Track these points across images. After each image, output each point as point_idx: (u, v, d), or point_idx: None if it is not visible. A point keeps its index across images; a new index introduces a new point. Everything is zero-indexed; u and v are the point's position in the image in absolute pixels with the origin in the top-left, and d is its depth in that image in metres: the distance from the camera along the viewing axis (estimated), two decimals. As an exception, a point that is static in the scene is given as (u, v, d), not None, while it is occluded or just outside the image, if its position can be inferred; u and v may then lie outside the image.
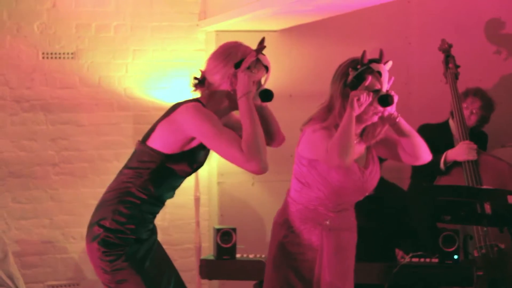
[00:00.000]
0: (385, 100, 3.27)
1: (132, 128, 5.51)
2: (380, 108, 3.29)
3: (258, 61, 3.14)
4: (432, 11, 5.80)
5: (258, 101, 3.15)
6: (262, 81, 3.19)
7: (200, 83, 3.16)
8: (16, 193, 5.31)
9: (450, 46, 5.11)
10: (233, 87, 3.10)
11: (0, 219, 5.25)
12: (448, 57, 5.08)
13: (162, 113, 5.32)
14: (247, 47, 3.16)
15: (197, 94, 3.21)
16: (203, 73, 3.17)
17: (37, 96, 5.32)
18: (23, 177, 5.32)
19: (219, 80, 3.12)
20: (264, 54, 3.17)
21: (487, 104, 5.03)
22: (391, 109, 3.32)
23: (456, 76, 5.03)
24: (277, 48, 5.45)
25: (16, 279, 4.19)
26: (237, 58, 3.11)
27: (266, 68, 3.17)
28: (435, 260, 4.33)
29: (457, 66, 5.05)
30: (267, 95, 3.15)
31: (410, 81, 5.67)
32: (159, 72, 5.55)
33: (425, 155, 3.45)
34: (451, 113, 4.98)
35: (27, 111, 5.31)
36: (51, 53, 5.34)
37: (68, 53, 5.37)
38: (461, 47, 5.20)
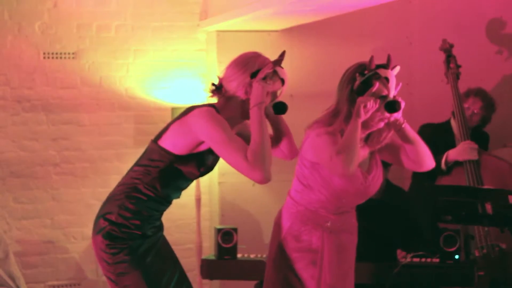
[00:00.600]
0: (392, 107, 3.26)
1: (133, 128, 5.51)
2: (387, 114, 3.28)
3: (275, 73, 3.18)
4: (433, 11, 5.79)
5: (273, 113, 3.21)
6: (278, 93, 3.23)
7: (217, 89, 3.21)
8: (17, 193, 5.31)
9: (451, 46, 5.11)
10: (247, 96, 3.15)
11: (1, 219, 5.26)
12: (449, 57, 5.07)
13: (163, 113, 5.43)
14: (265, 58, 3.21)
15: (214, 100, 3.25)
16: (220, 79, 3.22)
17: (38, 96, 5.33)
18: (24, 177, 5.32)
19: (234, 88, 3.17)
20: (282, 67, 3.21)
21: (488, 104, 5.03)
22: (397, 115, 3.31)
23: (457, 76, 5.02)
24: (278, 48, 5.42)
25: (17, 279, 4.19)
26: (254, 68, 3.16)
27: (283, 81, 3.21)
28: (436, 260, 4.33)
29: (458, 66, 5.05)
30: (280, 107, 3.20)
31: (411, 81, 5.66)
32: (160, 72, 5.55)
33: (428, 162, 3.44)
34: (453, 113, 4.98)
35: (28, 111, 5.32)
36: (52, 53, 5.35)
37: (69, 53, 5.38)
38: (462, 47, 5.19)
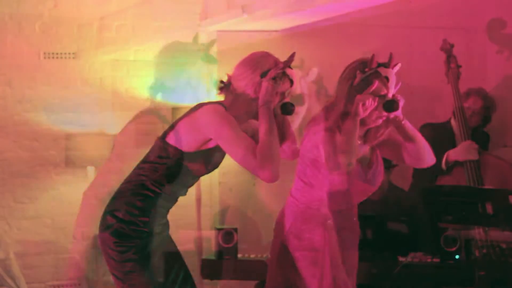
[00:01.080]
0: (390, 106, 3.26)
1: (133, 128, 5.51)
2: (385, 113, 3.29)
3: (284, 74, 3.19)
4: (433, 11, 5.79)
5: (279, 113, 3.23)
6: (286, 94, 3.25)
7: (226, 87, 3.22)
8: (18, 193, 5.31)
9: (452, 46, 5.11)
10: (256, 95, 3.17)
11: (1, 219, 5.26)
12: (450, 57, 5.07)
13: (163, 113, 5.41)
14: (276, 59, 3.24)
15: (221, 97, 3.26)
16: (229, 77, 3.23)
17: (38, 96, 5.33)
18: (24, 177, 5.32)
19: (243, 87, 3.18)
20: (292, 68, 3.23)
21: (489, 104, 5.03)
22: (397, 112, 3.32)
23: (457, 76, 5.02)
24: (278, 48, 5.42)
25: (17, 279, 4.20)
26: (264, 67, 3.18)
27: (291, 82, 3.23)
28: (436, 260, 4.33)
29: (459, 66, 5.05)
30: (288, 108, 3.22)
31: (412, 81, 5.66)
32: (160, 72, 5.55)
33: (428, 158, 3.44)
34: (453, 113, 4.98)
35: (29, 111, 5.32)
36: (53, 53, 5.35)
37: (69, 53, 5.38)
38: (462, 47, 5.19)
